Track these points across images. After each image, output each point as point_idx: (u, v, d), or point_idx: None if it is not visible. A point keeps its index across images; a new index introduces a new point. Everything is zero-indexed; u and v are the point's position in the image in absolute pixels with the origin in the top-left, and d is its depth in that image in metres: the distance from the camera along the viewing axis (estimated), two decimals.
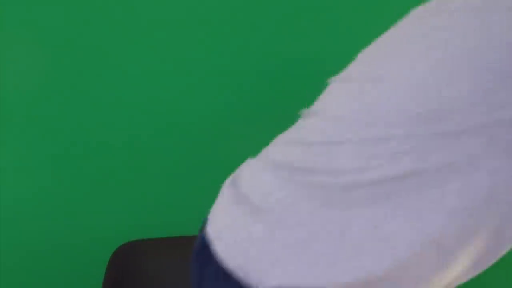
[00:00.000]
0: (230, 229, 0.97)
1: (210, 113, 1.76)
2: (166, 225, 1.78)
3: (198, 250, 1.03)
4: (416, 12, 0.99)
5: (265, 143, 1.79)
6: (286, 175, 0.96)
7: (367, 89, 0.94)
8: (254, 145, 1.78)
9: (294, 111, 1.78)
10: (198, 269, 1.02)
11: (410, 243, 0.87)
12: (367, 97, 0.93)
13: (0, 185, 1.71)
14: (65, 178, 1.73)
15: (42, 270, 1.76)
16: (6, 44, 1.67)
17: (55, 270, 1.76)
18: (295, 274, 0.90)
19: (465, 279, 0.97)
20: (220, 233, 0.99)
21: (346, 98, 0.96)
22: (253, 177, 1.02)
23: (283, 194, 0.95)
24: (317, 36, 1.75)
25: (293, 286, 0.89)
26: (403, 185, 0.87)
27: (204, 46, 1.73)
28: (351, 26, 1.77)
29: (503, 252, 0.95)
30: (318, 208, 0.91)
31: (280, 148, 1.02)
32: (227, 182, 1.10)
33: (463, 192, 0.86)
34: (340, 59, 1.78)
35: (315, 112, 1.01)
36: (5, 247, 1.74)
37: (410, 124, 0.88)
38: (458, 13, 0.90)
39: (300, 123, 1.03)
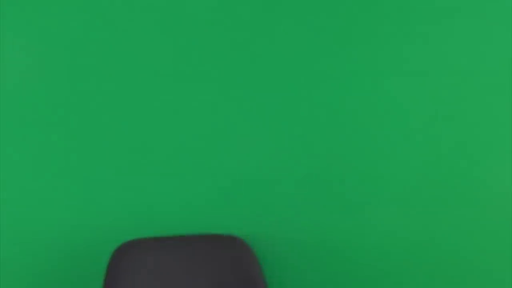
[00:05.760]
0: None
1: (210, 113, 1.76)
2: (166, 225, 1.78)
3: None
4: None
5: (268, 150, 1.79)
6: None
7: None
8: (254, 144, 1.78)
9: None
10: None
11: None
12: None
13: (0, 185, 1.71)
14: (65, 178, 1.73)
15: (42, 270, 1.76)
16: (6, 44, 1.67)
17: (55, 269, 1.76)
18: None
19: None
20: None
21: None
22: None
23: None
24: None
25: None
26: None
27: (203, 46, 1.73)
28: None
29: None
30: None
31: None
32: None
33: None
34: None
35: None
36: (5, 247, 1.74)
37: None
38: None
39: None
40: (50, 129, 1.71)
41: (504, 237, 1.90)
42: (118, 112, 1.73)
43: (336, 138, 1.80)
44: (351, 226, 1.84)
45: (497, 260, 1.90)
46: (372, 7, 1.76)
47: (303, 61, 1.76)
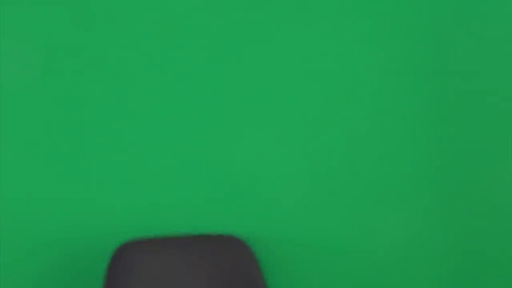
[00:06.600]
0: None
1: (210, 113, 1.76)
2: (166, 225, 1.78)
3: None
4: None
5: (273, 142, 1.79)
6: None
7: None
8: (255, 144, 1.78)
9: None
10: None
11: None
12: None
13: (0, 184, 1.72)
14: (65, 178, 1.73)
15: (42, 270, 1.76)
16: (5, 44, 1.67)
17: (55, 270, 1.76)
18: None
19: None
20: None
21: None
22: None
23: None
24: None
25: None
26: None
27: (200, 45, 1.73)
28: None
29: None
30: None
31: None
32: None
33: None
34: None
35: None
36: (5, 247, 1.74)
37: None
38: None
39: None
40: (50, 129, 1.71)
41: (506, 238, 1.90)
42: (118, 112, 1.73)
43: (337, 137, 1.80)
44: (351, 226, 1.84)
45: (498, 260, 1.90)
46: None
47: (301, 61, 1.77)
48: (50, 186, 1.73)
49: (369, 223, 1.85)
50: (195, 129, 1.76)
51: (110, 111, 1.72)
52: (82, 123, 1.72)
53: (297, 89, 1.77)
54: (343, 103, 1.79)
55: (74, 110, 1.71)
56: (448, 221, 1.87)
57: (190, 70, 1.74)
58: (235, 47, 1.74)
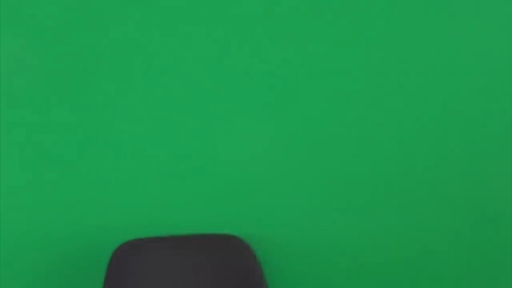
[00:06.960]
0: None
1: (209, 112, 1.76)
2: (166, 225, 1.78)
3: None
4: None
5: (259, 139, 1.79)
6: None
7: None
8: (255, 144, 1.79)
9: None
10: None
11: None
12: None
13: None
14: (65, 178, 1.73)
15: (42, 270, 1.76)
16: (4, 43, 1.67)
17: (54, 270, 1.77)
18: None
19: None
20: None
21: None
22: None
23: None
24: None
25: None
26: None
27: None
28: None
29: None
30: None
31: None
32: None
33: None
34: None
35: None
36: (3, 247, 1.74)
37: None
38: None
39: None
40: (50, 128, 1.71)
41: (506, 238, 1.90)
42: (118, 112, 1.73)
43: (338, 137, 1.80)
44: (352, 226, 1.84)
45: (499, 259, 1.91)
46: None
47: (300, 61, 1.77)
48: (49, 186, 1.73)
49: (370, 223, 1.85)
50: (195, 128, 1.76)
51: (110, 111, 1.72)
52: (82, 123, 1.72)
53: (298, 88, 1.77)
54: (343, 101, 1.79)
55: (74, 110, 1.71)
56: (449, 222, 1.87)
57: (191, 70, 1.74)
58: (233, 46, 1.74)
